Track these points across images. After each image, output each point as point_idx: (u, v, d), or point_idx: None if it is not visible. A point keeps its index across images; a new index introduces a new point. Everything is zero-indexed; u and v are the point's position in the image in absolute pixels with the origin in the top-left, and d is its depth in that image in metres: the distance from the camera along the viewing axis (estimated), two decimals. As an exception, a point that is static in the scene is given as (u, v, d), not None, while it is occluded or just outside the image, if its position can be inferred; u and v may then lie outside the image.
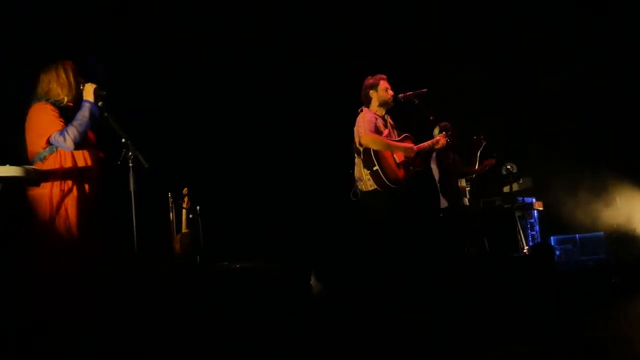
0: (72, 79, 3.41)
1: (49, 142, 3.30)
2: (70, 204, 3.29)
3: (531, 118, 6.91)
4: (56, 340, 3.13)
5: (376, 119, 4.62)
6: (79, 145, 3.32)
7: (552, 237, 6.91)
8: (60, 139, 3.28)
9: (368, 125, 4.50)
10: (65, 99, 3.41)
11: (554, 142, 6.82)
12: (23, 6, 4.61)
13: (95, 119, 3.37)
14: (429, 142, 4.84)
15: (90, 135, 3.47)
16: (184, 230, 5.75)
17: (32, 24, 4.68)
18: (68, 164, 3.32)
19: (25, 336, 3.11)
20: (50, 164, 3.30)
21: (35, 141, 3.32)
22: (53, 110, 3.33)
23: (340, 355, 3.12)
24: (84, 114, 3.34)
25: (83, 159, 3.38)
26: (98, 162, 3.45)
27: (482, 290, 4.32)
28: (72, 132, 3.28)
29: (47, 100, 3.37)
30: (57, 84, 3.40)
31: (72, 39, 4.87)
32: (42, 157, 3.30)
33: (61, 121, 3.32)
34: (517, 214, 6.29)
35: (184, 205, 5.75)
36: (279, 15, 6.49)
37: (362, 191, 4.53)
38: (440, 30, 6.82)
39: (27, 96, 3.45)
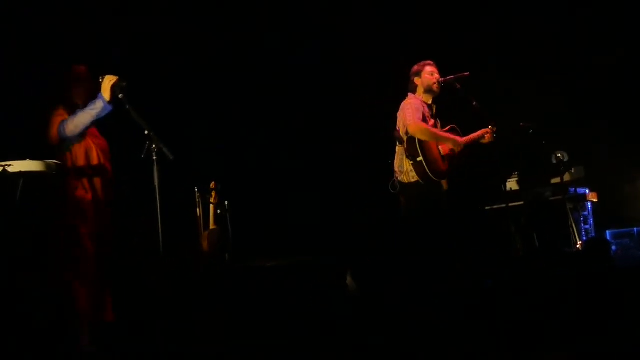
0: (88, 85, 3.46)
1: (57, 136, 3.36)
2: (88, 197, 3.36)
3: (583, 100, 6.55)
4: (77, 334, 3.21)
5: (423, 106, 4.39)
6: (77, 135, 3.35)
7: (607, 231, 6.51)
8: (62, 126, 3.33)
9: (416, 113, 4.28)
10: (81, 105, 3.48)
11: (608, 127, 6.43)
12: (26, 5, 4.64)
13: (102, 116, 3.36)
14: (475, 135, 4.57)
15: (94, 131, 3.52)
16: (211, 226, 5.62)
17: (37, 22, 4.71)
18: (80, 161, 3.40)
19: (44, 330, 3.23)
20: (62, 160, 3.40)
21: (50, 141, 3.43)
22: (64, 112, 3.42)
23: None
24: (94, 108, 3.31)
25: (96, 155, 3.46)
26: (108, 156, 3.52)
27: (532, 288, 4.09)
28: (72, 120, 3.30)
29: (63, 104, 3.47)
30: (74, 91, 3.48)
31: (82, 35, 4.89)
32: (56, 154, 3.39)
33: (68, 113, 3.39)
34: (569, 206, 5.94)
35: (212, 201, 5.62)
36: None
37: (401, 183, 4.33)
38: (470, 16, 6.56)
39: (46, 96, 3.61)
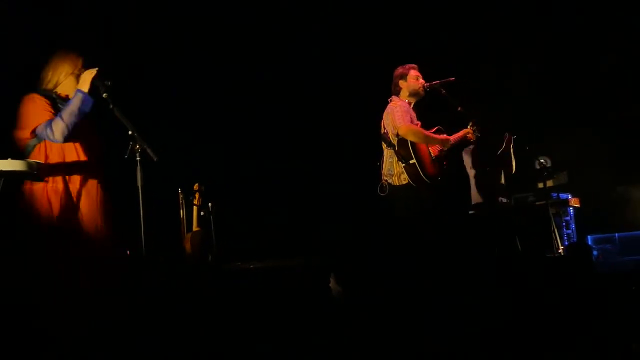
0: (69, 69, 3.20)
1: (33, 134, 3.08)
2: (59, 198, 3.08)
3: (566, 107, 6.60)
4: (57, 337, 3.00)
5: (409, 108, 4.38)
6: (68, 137, 3.07)
7: (589, 236, 6.59)
8: (47, 130, 3.05)
9: (405, 115, 4.25)
10: (57, 90, 3.21)
11: (591, 134, 6.49)
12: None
13: (86, 111, 3.11)
14: (458, 135, 4.60)
15: (86, 123, 3.19)
16: (195, 228, 5.53)
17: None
18: (54, 157, 3.11)
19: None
20: (35, 155, 3.08)
21: (20, 134, 3.11)
22: (40, 100, 3.12)
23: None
24: (74, 104, 3.08)
25: (74, 150, 3.16)
26: (95, 152, 3.25)
27: (513, 292, 4.09)
28: (59, 124, 3.04)
29: (35, 90, 3.18)
30: (51, 73, 3.20)
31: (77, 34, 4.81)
32: (28, 150, 3.09)
33: (50, 112, 3.10)
34: (552, 211, 5.99)
35: (195, 202, 5.53)
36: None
37: (391, 185, 4.28)
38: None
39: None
